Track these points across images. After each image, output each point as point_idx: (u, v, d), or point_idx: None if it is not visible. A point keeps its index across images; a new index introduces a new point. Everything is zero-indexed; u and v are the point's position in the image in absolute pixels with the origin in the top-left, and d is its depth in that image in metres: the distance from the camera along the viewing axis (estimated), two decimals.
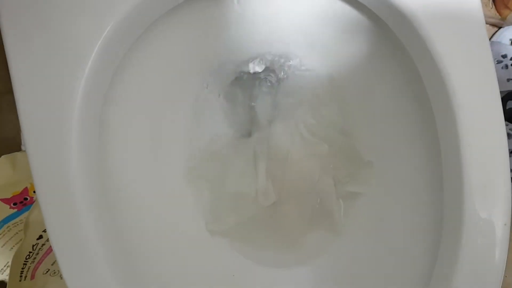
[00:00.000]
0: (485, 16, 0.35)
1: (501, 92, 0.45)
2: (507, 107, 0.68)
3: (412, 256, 0.41)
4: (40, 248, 0.56)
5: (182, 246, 0.44)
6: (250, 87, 0.48)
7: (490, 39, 0.74)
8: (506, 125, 0.38)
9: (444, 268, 0.35)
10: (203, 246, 0.46)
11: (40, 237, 0.57)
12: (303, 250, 0.46)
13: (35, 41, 0.32)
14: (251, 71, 0.47)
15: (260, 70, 0.47)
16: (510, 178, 0.34)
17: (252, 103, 0.48)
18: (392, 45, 0.41)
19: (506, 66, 0.69)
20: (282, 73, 0.47)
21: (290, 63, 0.47)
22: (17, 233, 0.66)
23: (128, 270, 0.36)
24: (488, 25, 0.74)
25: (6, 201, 0.64)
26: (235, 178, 0.44)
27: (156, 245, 0.42)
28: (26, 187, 0.65)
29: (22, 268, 0.54)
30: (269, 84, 0.48)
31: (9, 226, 0.65)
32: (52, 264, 0.55)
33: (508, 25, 0.73)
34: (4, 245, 0.65)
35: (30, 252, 0.56)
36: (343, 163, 0.46)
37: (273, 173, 0.44)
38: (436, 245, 0.36)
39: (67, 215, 0.32)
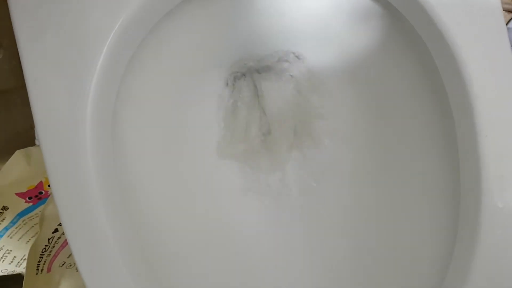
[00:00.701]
0: (501, 1, 0.34)
1: None
2: None
3: (427, 244, 0.40)
4: (55, 242, 0.57)
5: (201, 244, 0.45)
6: (260, 79, 0.48)
7: (506, 25, 0.72)
8: None
9: (461, 259, 0.35)
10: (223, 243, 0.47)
11: (56, 230, 0.58)
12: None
13: (47, 36, 0.32)
14: (263, 65, 0.47)
15: (272, 63, 0.47)
16: None
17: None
18: (406, 34, 0.40)
19: None
20: (294, 67, 0.47)
21: (303, 55, 0.46)
22: (32, 226, 0.67)
23: (142, 261, 0.36)
24: (504, 11, 0.72)
25: (21, 195, 0.65)
26: (243, 112, 0.49)
27: (171, 237, 0.42)
28: (41, 181, 0.66)
29: (38, 262, 0.55)
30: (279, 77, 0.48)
31: (24, 220, 0.66)
32: (67, 257, 0.56)
33: None
34: (20, 238, 0.67)
35: (46, 246, 0.56)
36: (312, 92, 0.49)
37: (266, 108, 0.50)
38: (452, 237, 0.36)
39: (81, 209, 0.32)
